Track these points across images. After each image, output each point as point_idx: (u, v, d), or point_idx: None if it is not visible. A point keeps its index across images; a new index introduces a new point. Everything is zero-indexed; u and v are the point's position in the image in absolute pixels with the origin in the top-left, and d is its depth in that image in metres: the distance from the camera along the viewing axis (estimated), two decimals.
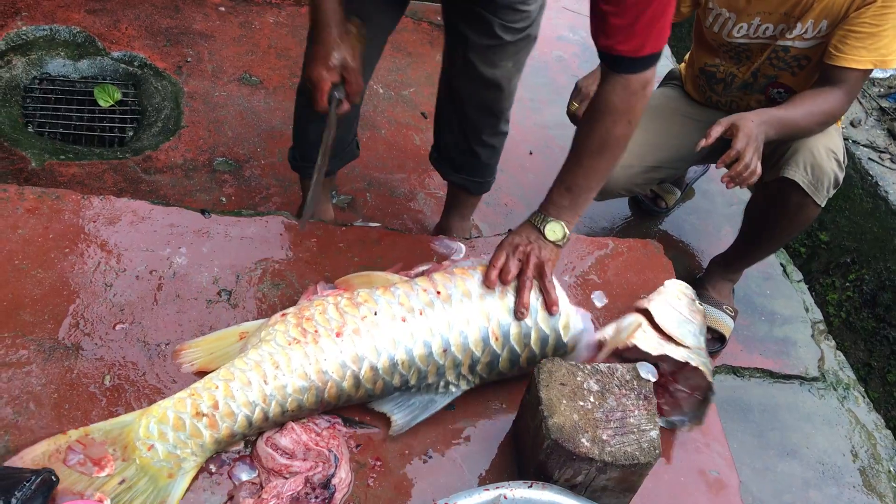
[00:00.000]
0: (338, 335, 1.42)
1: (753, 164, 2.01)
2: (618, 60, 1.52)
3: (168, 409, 1.33)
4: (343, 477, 1.35)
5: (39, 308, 1.50)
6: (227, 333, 1.51)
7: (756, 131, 2.03)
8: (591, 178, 1.62)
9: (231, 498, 1.32)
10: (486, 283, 1.53)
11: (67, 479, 1.25)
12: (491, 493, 1.30)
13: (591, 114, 1.59)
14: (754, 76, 2.33)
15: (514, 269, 1.55)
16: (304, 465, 1.34)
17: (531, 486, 1.32)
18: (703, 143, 2.02)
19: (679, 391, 1.56)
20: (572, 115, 2.33)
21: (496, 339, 1.50)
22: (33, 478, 1.20)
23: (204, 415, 1.33)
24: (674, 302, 1.63)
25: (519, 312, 1.52)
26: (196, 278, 1.63)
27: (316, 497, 1.31)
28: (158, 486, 1.29)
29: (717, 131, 2.03)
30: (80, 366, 1.43)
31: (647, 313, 1.60)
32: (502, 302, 1.52)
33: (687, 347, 1.55)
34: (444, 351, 1.46)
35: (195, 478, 1.33)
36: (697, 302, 1.67)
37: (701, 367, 1.51)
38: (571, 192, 1.61)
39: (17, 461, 1.26)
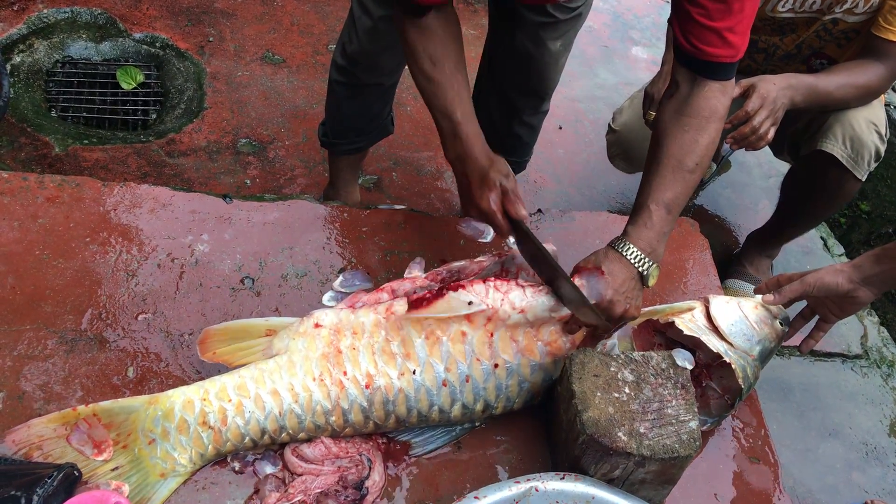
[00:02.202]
0: (367, 387, 1.33)
1: (764, 128, 1.93)
2: (716, 67, 1.41)
3: (175, 405, 1.29)
4: (377, 480, 1.31)
5: (61, 299, 1.47)
6: (252, 326, 1.40)
7: (775, 95, 1.94)
8: (689, 194, 1.46)
9: (257, 491, 1.29)
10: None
11: (67, 457, 1.24)
12: (522, 485, 1.27)
13: (690, 123, 1.44)
14: (798, 48, 2.22)
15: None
16: (332, 467, 1.31)
17: (563, 478, 1.28)
18: None
19: (711, 389, 1.50)
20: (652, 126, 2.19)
21: (537, 395, 1.44)
22: (55, 473, 1.18)
23: (210, 427, 1.29)
24: (745, 306, 1.53)
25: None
26: (219, 266, 1.60)
27: (346, 497, 1.27)
28: (147, 483, 1.26)
29: (735, 92, 1.93)
30: (102, 357, 1.41)
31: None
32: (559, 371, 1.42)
33: (730, 345, 1.48)
34: (484, 410, 1.40)
35: (206, 467, 1.31)
36: (779, 321, 1.54)
37: (735, 367, 1.43)
38: (672, 213, 1.44)
39: (23, 429, 1.24)
